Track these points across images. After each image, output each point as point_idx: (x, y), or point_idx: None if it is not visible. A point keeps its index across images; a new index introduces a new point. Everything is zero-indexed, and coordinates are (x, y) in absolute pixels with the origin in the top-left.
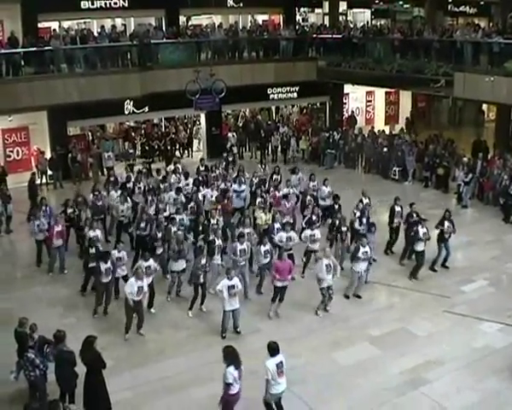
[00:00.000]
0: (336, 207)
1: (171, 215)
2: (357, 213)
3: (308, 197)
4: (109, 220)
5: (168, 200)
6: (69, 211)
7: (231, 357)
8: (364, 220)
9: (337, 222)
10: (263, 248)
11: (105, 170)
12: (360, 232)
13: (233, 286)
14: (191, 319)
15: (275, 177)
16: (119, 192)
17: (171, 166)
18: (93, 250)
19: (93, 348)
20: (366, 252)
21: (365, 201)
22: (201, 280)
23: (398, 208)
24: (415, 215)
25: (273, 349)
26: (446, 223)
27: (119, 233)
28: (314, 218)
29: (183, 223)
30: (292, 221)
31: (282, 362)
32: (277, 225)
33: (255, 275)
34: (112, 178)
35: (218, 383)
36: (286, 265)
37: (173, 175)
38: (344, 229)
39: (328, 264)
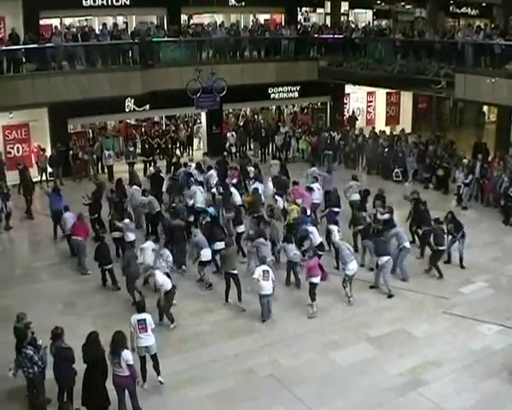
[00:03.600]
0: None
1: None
2: (381, 209)
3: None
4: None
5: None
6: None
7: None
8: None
9: (364, 214)
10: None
11: (105, 168)
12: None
13: (267, 271)
14: (188, 318)
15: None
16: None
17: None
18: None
19: (99, 345)
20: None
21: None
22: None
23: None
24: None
25: (140, 307)
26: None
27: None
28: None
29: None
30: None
31: (144, 320)
32: (305, 217)
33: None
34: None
35: (216, 383)
36: (314, 262)
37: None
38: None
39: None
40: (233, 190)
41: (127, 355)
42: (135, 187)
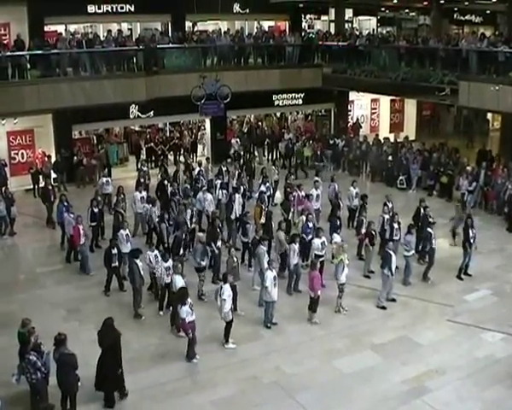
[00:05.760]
0: (366, 205)
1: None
2: (386, 217)
3: (340, 203)
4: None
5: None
6: (95, 211)
7: (182, 298)
8: (396, 225)
9: (364, 220)
10: (295, 246)
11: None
12: (387, 237)
13: (275, 277)
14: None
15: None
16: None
17: (197, 169)
18: (115, 251)
19: (115, 329)
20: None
21: (390, 205)
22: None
23: (423, 211)
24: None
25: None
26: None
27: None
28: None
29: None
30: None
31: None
32: (311, 224)
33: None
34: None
35: (220, 389)
36: (318, 275)
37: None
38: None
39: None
40: (237, 196)
41: (182, 311)
42: (137, 193)
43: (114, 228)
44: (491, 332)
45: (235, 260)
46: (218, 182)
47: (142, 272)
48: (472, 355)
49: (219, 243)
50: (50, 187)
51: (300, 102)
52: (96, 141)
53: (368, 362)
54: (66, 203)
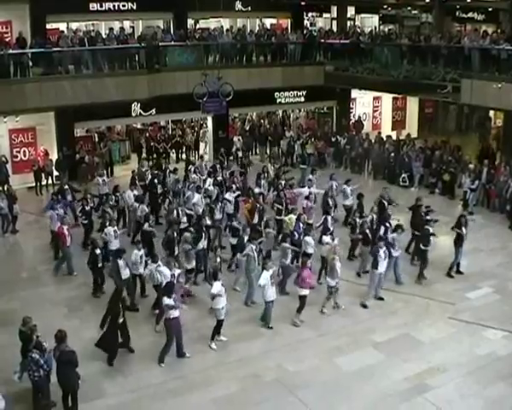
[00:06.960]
0: (363, 204)
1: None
2: (375, 216)
3: (330, 200)
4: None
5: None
6: (86, 209)
7: (167, 290)
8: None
9: (358, 220)
10: (286, 245)
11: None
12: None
13: (271, 276)
14: (191, 323)
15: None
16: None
17: (192, 166)
18: (98, 251)
19: (117, 303)
20: (384, 252)
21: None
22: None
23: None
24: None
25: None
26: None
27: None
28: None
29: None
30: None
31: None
32: (301, 224)
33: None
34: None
35: (220, 387)
36: (309, 272)
37: (194, 175)
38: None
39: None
40: (227, 195)
41: (164, 300)
42: (129, 192)
43: (102, 226)
44: (493, 330)
45: (218, 260)
46: (209, 180)
47: (121, 273)
48: (473, 353)
49: (205, 243)
50: (67, 187)
51: (302, 99)
52: (97, 139)
53: (369, 360)
54: (53, 201)
